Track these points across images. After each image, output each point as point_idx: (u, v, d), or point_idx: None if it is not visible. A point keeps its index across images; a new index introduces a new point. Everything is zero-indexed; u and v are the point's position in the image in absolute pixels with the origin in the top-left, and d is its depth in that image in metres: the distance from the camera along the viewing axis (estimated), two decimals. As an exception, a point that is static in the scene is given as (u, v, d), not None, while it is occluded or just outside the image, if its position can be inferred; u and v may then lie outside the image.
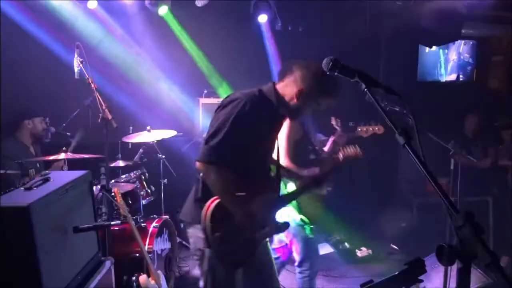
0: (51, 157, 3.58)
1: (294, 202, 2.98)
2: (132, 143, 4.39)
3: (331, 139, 3.35)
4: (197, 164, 2.13)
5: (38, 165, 3.98)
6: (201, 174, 2.18)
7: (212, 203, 2.10)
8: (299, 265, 3.21)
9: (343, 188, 3.83)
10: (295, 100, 2.25)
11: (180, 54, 5.41)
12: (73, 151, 3.78)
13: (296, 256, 3.22)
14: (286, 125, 2.97)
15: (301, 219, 3.06)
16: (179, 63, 5.40)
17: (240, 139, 2.13)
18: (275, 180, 2.45)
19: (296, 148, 3.05)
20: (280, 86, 2.30)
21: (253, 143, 2.21)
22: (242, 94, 2.21)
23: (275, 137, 2.42)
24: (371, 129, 3.37)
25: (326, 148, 3.32)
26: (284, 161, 2.92)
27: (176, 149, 5.09)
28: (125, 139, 4.28)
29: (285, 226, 2.36)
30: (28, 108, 4.17)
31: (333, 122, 3.48)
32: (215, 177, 2.10)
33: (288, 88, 2.28)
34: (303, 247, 3.16)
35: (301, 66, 2.26)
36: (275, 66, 5.66)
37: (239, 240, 2.16)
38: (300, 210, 3.07)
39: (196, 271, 4.57)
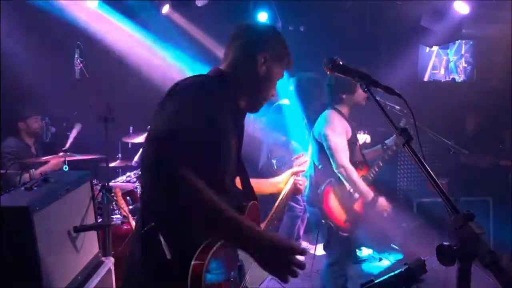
0: (51, 157, 3.58)
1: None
2: (132, 143, 4.39)
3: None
4: None
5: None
6: None
7: None
8: (327, 267, 3.13)
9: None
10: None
11: (180, 53, 5.40)
12: (73, 150, 3.78)
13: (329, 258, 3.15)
14: (340, 124, 2.94)
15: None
16: (180, 62, 5.39)
17: None
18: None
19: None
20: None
21: None
22: None
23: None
24: None
25: (388, 141, 3.21)
26: (343, 164, 2.86)
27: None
28: (125, 139, 4.28)
29: None
30: (21, 109, 4.14)
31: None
32: None
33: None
34: (335, 249, 3.07)
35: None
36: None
37: None
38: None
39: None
